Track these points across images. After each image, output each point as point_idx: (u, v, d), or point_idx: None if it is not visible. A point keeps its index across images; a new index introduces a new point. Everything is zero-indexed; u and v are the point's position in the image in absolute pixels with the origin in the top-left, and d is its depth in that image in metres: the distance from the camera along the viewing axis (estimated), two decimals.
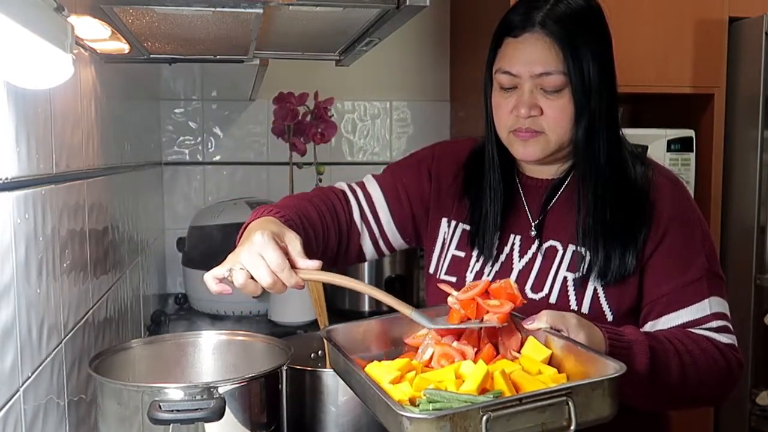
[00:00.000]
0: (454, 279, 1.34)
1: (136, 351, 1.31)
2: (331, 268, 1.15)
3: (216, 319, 2.34)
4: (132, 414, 1.10)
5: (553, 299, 1.25)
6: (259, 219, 1.17)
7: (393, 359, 1.03)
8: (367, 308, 2.37)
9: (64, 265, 1.14)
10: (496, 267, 1.30)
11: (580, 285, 1.24)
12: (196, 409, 1.06)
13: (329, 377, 1.32)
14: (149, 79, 2.50)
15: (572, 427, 0.83)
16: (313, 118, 2.42)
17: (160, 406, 1.06)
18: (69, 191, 1.18)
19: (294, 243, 1.07)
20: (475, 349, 1.04)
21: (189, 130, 2.80)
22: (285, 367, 1.25)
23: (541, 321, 1.02)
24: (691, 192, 1.80)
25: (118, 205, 1.68)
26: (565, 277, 1.25)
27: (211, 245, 2.36)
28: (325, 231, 1.31)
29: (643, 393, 1.14)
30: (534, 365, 0.96)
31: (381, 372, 0.96)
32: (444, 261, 1.38)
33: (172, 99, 2.78)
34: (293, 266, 1.04)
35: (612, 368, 0.89)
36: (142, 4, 1.06)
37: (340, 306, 2.36)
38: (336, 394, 1.32)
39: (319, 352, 1.55)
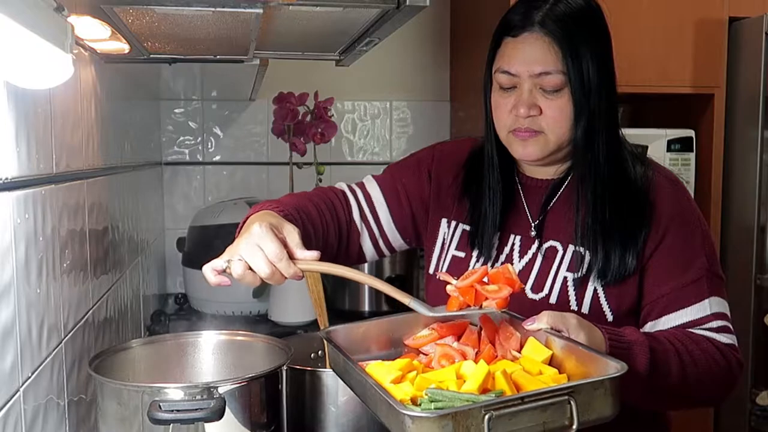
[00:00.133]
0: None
1: (136, 351, 1.31)
2: None
3: (216, 319, 2.33)
4: (132, 414, 1.10)
5: (553, 299, 1.25)
6: (258, 212, 1.17)
7: (393, 360, 1.03)
8: (367, 308, 2.37)
9: (64, 265, 1.14)
10: (497, 267, 1.30)
11: (580, 285, 1.24)
12: (196, 409, 1.06)
13: (329, 377, 1.32)
14: (149, 79, 2.50)
15: (574, 427, 0.83)
16: (313, 118, 2.42)
17: (160, 406, 1.06)
18: (69, 191, 1.18)
19: (292, 234, 1.07)
20: (476, 350, 1.04)
21: (189, 130, 2.80)
22: (285, 367, 1.25)
23: (542, 322, 1.02)
24: (691, 192, 1.80)
25: (118, 205, 1.68)
26: (565, 278, 1.25)
27: (211, 245, 2.36)
28: (325, 228, 1.31)
29: (644, 393, 1.14)
30: (535, 366, 0.96)
31: (382, 372, 0.96)
32: (444, 261, 1.38)
33: (172, 99, 2.78)
34: (291, 257, 1.04)
35: (613, 368, 0.89)
36: (142, 4, 1.06)
37: (340, 306, 2.36)
38: (336, 394, 1.32)
39: (319, 352, 1.55)
